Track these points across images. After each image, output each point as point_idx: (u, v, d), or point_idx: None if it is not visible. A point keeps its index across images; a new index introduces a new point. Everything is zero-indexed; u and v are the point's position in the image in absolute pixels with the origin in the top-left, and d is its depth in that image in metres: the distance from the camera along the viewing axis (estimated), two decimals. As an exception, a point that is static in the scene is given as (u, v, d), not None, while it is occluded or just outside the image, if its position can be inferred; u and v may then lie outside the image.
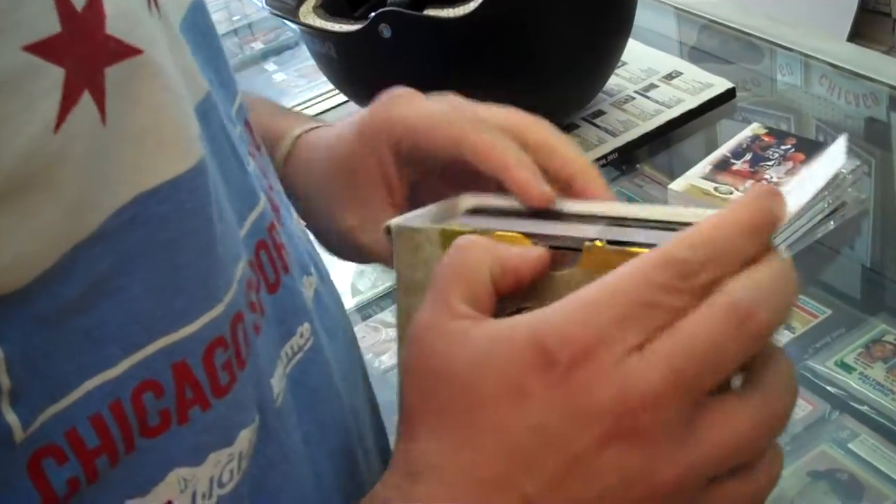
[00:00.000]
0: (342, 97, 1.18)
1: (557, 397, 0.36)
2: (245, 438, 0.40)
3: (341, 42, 0.94)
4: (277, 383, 0.43)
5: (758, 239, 0.37)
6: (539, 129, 0.53)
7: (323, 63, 0.99)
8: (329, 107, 1.20)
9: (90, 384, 0.34)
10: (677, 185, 0.85)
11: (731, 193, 0.84)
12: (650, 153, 0.99)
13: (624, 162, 0.96)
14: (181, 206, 0.36)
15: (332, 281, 0.55)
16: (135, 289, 0.35)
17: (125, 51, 0.33)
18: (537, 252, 0.40)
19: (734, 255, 0.36)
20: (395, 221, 0.47)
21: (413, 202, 0.56)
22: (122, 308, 0.35)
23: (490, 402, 0.37)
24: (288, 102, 1.21)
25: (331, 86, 1.19)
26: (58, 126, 0.31)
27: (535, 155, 0.52)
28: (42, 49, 0.30)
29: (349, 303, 0.99)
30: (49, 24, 0.31)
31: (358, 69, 0.95)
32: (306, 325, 0.46)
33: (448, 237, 0.44)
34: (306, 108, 1.21)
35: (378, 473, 0.51)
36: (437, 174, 0.56)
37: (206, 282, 0.37)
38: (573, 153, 0.52)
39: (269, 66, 1.35)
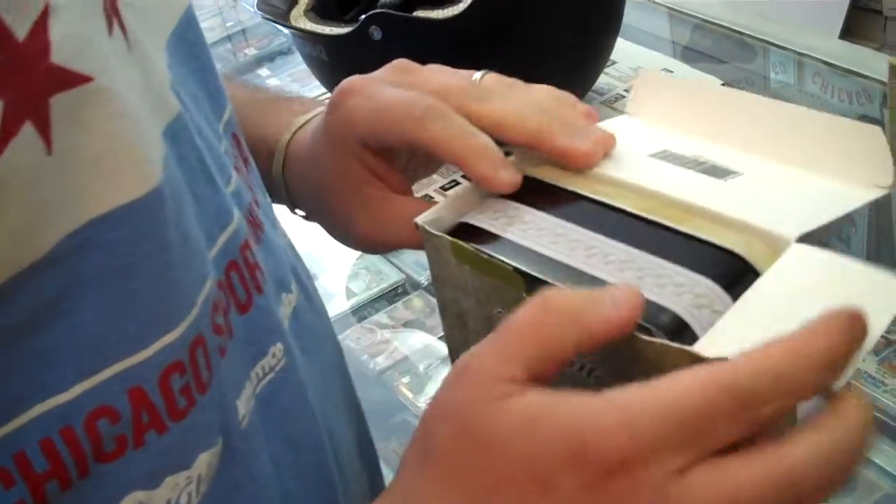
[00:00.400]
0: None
1: (585, 499, 0.34)
2: (204, 461, 0.39)
3: (332, 45, 0.94)
4: (244, 405, 0.42)
5: (832, 374, 0.34)
6: (484, 98, 0.51)
7: (315, 66, 1.00)
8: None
9: (41, 408, 0.34)
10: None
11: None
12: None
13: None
14: (135, 230, 0.36)
15: (318, 297, 0.55)
16: (86, 313, 0.35)
17: (73, 79, 0.33)
18: (625, 320, 0.37)
19: (804, 391, 0.34)
20: (420, 220, 0.47)
21: (415, 167, 0.56)
22: (73, 332, 0.34)
23: (515, 483, 0.35)
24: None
25: (323, 89, 1.21)
26: None
27: (490, 130, 0.50)
28: None
29: (343, 305, 1.00)
30: None
31: (349, 71, 0.94)
32: (279, 346, 0.45)
33: (458, 251, 0.45)
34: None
35: (357, 489, 0.52)
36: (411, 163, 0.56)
37: (161, 306, 0.37)
38: (522, 124, 0.49)
39: (263, 71, 1.36)
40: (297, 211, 0.61)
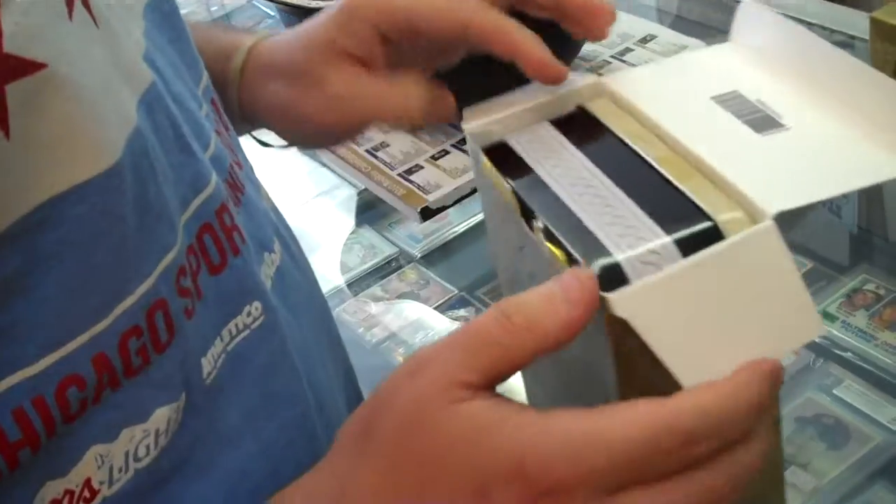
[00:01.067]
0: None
1: None
2: (162, 416, 0.41)
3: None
4: (210, 362, 0.44)
5: (758, 419, 0.37)
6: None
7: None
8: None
9: (10, 381, 0.36)
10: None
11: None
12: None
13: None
14: (93, 207, 0.37)
15: (303, 258, 0.56)
16: (48, 289, 0.36)
17: (27, 66, 0.34)
18: (581, 318, 0.38)
19: (736, 433, 0.37)
20: (468, 128, 0.48)
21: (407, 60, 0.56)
22: (36, 307, 0.36)
23: (451, 487, 0.37)
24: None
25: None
26: None
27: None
28: None
29: (338, 279, 1.00)
30: None
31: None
32: (256, 304, 0.47)
33: (488, 169, 0.46)
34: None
35: None
36: (423, 54, 0.56)
37: (120, 276, 0.39)
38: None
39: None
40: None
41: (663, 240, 0.40)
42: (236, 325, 0.46)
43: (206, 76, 0.51)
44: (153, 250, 0.40)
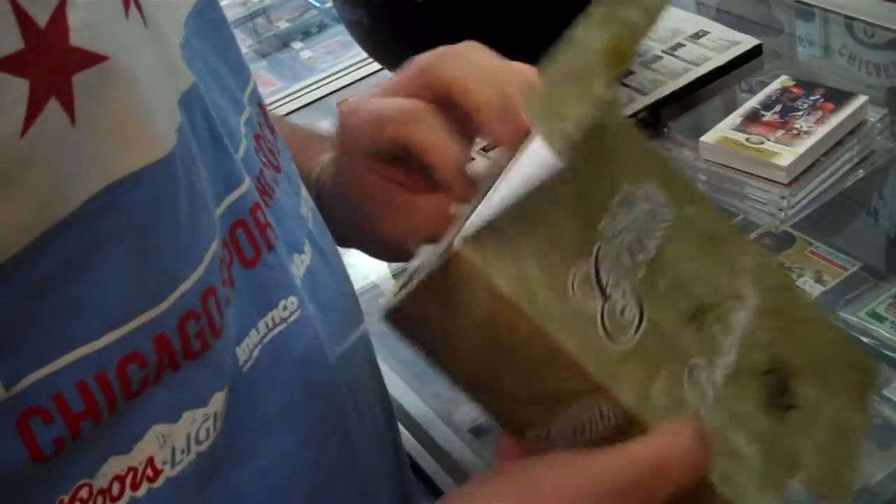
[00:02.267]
0: (370, 68, 1.20)
1: None
2: (219, 400, 0.44)
3: (374, 9, 0.95)
4: (245, 352, 0.46)
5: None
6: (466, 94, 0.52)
7: (356, 32, 1.01)
8: (357, 78, 1.21)
9: (74, 354, 0.38)
10: (709, 137, 0.87)
11: (763, 143, 0.85)
12: (675, 114, 0.99)
13: (649, 125, 0.96)
14: (150, 193, 0.39)
15: (337, 261, 0.57)
16: (110, 268, 0.39)
17: (91, 59, 0.37)
18: None
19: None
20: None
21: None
22: (98, 285, 0.38)
23: None
24: (315, 77, 1.23)
25: (356, 59, 1.22)
26: (24, 132, 0.35)
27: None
28: (6, 65, 0.34)
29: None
30: (12, 42, 0.34)
31: (392, 36, 0.97)
32: (292, 299, 0.49)
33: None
34: (335, 79, 1.22)
35: (374, 435, 0.56)
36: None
37: (176, 261, 0.41)
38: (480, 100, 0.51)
39: (296, 44, 1.36)
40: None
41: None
42: (272, 319, 0.48)
43: (252, 81, 0.54)
44: (202, 239, 0.43)
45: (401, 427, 0.65)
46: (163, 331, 0.40)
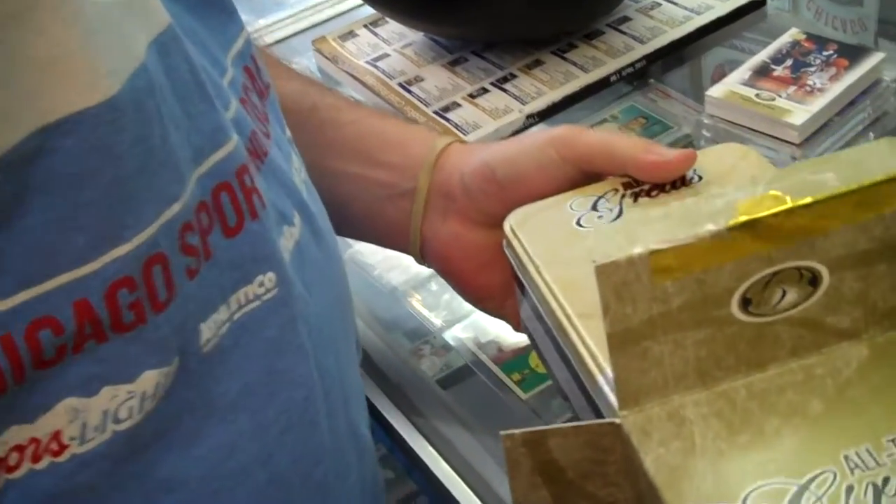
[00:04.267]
0: (345, 5, 1.12)
1: None
2: (151, 379, 0.40)
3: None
4: (211, 328, 0.42)
5: None
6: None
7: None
8: (335, 13, 1.14)
9: None
10: (715, 91, 0.81)
11: (774, 99, 0.79)
12: (662, 68, 0.94)
13: (635, 77, 0.91)
14: (85, 140, 0.36)
15: (331, 239, 0.54)
16: (31, 222, 0.35)
17: None
18: None
19: None
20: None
21: None
22: (16, 240, 0.35)
23: None
24: (285, 12, 1.16)
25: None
26: None
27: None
28: None
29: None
30: None
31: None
32: (270, 275, 0.45)
33: None
34: (309, 14, 1.15)
35: (345, 430, 0.51)
36: None
37: (110, 220, 0.37)
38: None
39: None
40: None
41: None
42: (246, 294, 0.44)
43: (240, 43, 0.49)
44: (154, 199, 0.39)
45: (364, 375, 0.62)
46: (84, 296, 0.37)
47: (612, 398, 0.42)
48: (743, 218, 0.37)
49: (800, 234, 0.38)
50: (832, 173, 0.39)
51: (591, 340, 0.45)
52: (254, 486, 0.44)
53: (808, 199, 0.37)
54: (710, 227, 0.37)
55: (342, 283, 0.55)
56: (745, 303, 0.39)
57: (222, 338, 0.43)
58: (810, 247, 0.38)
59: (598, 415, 0.45)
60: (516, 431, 0.39)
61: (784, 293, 0.39)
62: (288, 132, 0.53)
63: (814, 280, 0.39)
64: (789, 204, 0.37)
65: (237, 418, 0.44)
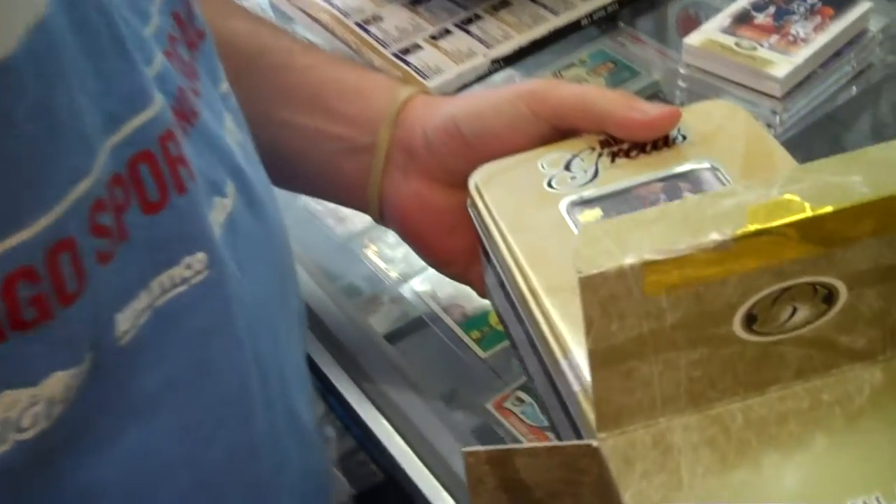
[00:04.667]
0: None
1: None
2: (59, 382, 0.36)
3: None
4: (128, 319, 0.39)
5: None
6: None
7: None
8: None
9: None
10: (693, 39, 0.77)
11: (755, 49, 0.75)
12: (633, 13, 0.91)
13: (606, 21, 0.88)
14: None
15: (271, 207, 0.49)
16: None
17: None
18: None
19: None
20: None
21: None
22: None
23: None
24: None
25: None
26: None
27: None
28: None
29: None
30: None
31: None
32: (199, 255, 0.41)
33: None
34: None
35: (284, 433, 0.47)
36: None
37: (5, 203, 0.33)
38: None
39: None
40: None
41: None
42: (170, 278, 0.40)
43: None
44: (59, 176, 0.35)
45: (308, 333, 0.59)
46: None
47: (576, 385, 0.38)
48: (753, 227, 0.32)
49: (818, 247, 0.33)
50: (858, 176, 0.34)
51: (557, 318, 0.41)
52: (177, 489, 0.41)
53: (829, 208, 0.32)
54: (715, 235, 0.32)
55: (283, 256, 0.51)
56: (750, 320, 0.34)
57: (142, 328, 0.39)
58: (828, 260, 0.34)
59: (560, 400, 0.41)
60: (481, 449, 0.35)
61: (795, 310, 0.35)
62: (224, 85, 0.49)
63: (829, 297, 0.35)
64: (808, 213, 0.32)
65: (158, 416, 0.40)
